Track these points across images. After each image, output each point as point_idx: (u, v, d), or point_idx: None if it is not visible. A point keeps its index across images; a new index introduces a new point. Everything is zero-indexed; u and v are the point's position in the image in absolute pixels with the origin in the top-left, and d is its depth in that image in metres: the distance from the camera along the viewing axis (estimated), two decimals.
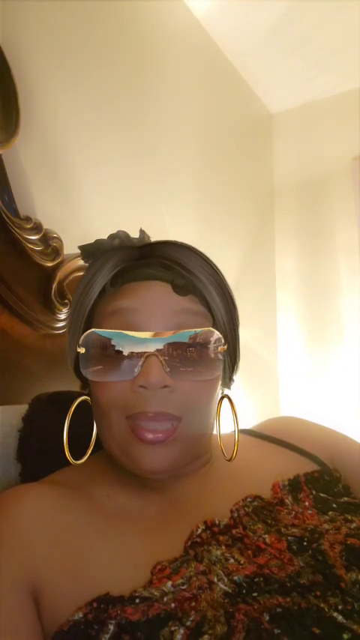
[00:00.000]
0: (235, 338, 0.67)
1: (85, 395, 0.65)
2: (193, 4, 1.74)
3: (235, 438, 0.63)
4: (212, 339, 0.60)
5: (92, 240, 0.68)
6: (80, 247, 0.68)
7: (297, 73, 2.09)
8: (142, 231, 0.70)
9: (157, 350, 0.57)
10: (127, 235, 0.68)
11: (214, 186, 1.88)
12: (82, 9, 1.25)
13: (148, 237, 0.70)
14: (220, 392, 0.67)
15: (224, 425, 0.69)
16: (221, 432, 0.69)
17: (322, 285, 2.18)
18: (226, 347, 0.62)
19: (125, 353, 0.57)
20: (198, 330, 0.59)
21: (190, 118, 1.75)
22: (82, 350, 0.60)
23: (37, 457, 0.76)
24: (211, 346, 0.60)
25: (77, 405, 0.63)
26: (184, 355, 0.58)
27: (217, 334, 0.61)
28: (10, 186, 0.95)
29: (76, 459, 0.62)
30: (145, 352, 0.57)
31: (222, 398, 0.67)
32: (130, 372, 0.57)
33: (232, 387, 0.71)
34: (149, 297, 0.60)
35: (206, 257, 0.63)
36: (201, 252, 0.63)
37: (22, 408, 0.81)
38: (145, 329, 0.58)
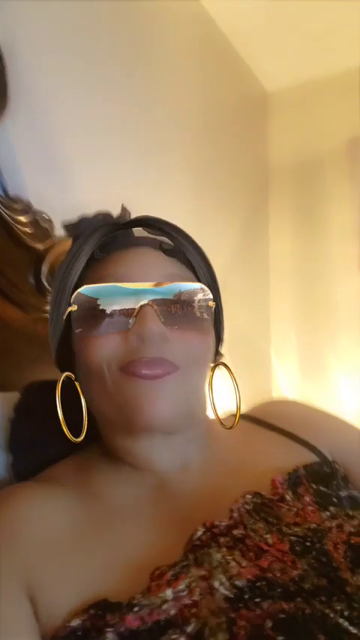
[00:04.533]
0: (218, 303, 0.68)
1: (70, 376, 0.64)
2: None
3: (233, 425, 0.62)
4: (202, 295, 0.62)
5: None
6: (64, 224, 0.69)
7: (295, 51, 2.05)
8: (123, 208, 0.71)
9: (151, 302, 0.57)
10: (109, 213, 0.70)
11: (208, 166, 1.85)
12: None
13: (129, 213, 0.72)
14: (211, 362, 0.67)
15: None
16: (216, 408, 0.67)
17: (316, 268, 2.16)
18: (214, 304, 0.63)
19: (118, 308, 0.58)
20: (191, 284, 0.61)
21: (185, 95, 1.71)
22: (73, 307, 0.60)
23: (29, 448, 0.74)
24: (201, 302, 0.62)
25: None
26: (176, 308, 0.59)
27: (207, 291, 0.63)
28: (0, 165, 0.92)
29: (73, 445, 0.62)
30: (139, 304, 0.57)
31: (215, 366, 0.66)
32: (124, 324, 0.57)
33: (218, 359, 0.70)
34: (139, 261, 0.62)
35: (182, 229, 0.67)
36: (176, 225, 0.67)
37: (13, 396, 0.79)
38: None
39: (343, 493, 0.61)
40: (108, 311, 0.58)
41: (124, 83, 1.40)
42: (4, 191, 0.94)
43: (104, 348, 0.57)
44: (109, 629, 0.42)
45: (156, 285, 0.58)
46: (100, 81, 1.30)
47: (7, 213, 0.93)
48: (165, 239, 0.64)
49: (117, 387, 0.57)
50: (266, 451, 0.69)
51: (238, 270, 1.97)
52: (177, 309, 0.59)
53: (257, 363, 2.14)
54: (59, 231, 1.04)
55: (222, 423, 0.64)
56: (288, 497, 0.58)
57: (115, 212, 0.71)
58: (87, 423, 0.62)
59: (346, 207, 2.07)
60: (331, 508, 0.57)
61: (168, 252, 0.63)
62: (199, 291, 0.62)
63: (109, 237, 0.64)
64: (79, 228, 0.66)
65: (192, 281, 0.64)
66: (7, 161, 0.98)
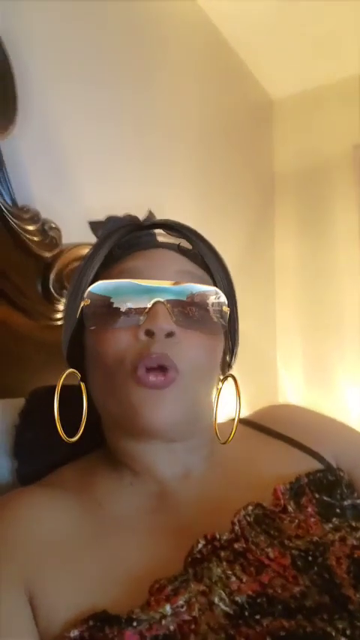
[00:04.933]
0: (234, 312, 0.68)
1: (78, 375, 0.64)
2: None
3: (234, 419, 0.62)
4: (216, 299, 0.62)
5: (90, 230, 0.71)
6: (90, 222, 0.70)
7: (299, 58, 2.05)
8: (149, 212, 0.72)
9: (163, 300, 0.58)
10: (135, 216, 0.70)
11: (214, 173, 1.85)
12: None
13: (154, 217, 0.72)
14: (220, 374, 0.67)
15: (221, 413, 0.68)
16: (218, 419, 0.67)
17: (321, 273, 2.15)
18: (229, 310, 0.63)
19: (131, 306, 0.58)
20: (204, 286, 0.61)
21: (191, 104, 1.72)
22: (87, 302, 0.60)
23: (34, 453, 0.74)
24: (215, 306, 0.61)
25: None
26: (189, 310, 0.59)
27: (221, 294, 0.62)
28: (8, 175, 0.93)
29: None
30: (152, 301, 0.57)
31: (224, 379, 0.66)
32: (136, 319, 0.58)
33: (227, 372, 0.70)
34: (156, 259, 0.63)
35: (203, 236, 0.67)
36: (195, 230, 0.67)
37: (19, 402, 0.80)
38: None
39: (346, 502, 0.60)
40: (122, 308, 0.58)
41: (129, 94, 1.41)
42: (13, 201, 0.94)
43: (116, 344, 0.57)
44: None
45: (170, 284, 0.59)
46: (106, 92, 1.31)
47: (15, 222, 0.94)
48: (184, 241, 0.65)
49: (124, 388, 0.57)
50: (269, 459, 0.68)
51: (243, 278, 1.96)
52: (190, 310, 0.59)
53: (263, 371, 2.14)
54: (67, 240, 1.05)
55: (218, 438, 0.63)
56: (290, 509, 0.57)
57: None
58: (90, 426, 0.62)
59: (351, 214, 2.07)
60: (334, 519, 0.56)
61: (185, 253, 0.64)
62: (213, 293, 0.62)
63: (129, 237, 0.65)
64: (104, 227, 0.67)
65: (207, 283, 0.64)
66: (16, 171, 0.99)
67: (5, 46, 0.94)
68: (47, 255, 1.01)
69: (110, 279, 0.61)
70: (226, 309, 0.62)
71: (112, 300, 0.59)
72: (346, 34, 1.88)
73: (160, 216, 0.72)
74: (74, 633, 0.44)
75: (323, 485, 0.62)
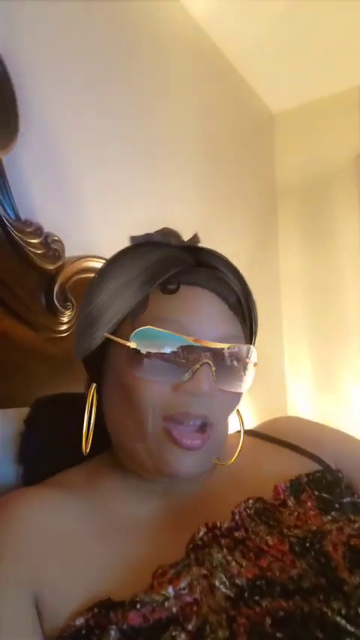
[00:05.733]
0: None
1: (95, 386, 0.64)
2: (191, 5, 1.73)
3: (239, 441, 0.64)
4: (252, 357, 0.63)
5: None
6: (132, 237, 0.66)
7: (298, 72, 2.08)
8: (196, 236, 0.70)
9: (209, 359, 0.57)
10: (178, 235, 0.69)
11: (217, 187, 1.88)
12: (81, 12, 1.25)
13: (199, 241, 0.70)
14: None
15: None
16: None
17: (326, 282, 2.17)
18: (256, 364, 0.64)
19: (179, 356, 0.57)
20: (245, 346, 0.62)
21: (192, 120, 1.75)
22: (132, 344, 0.57)
23: (39, 459, 0.75)
24: (250, 363, 0.63)
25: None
26: (230, 367, 0.60)
27: (254, 352, 0.64)
28: (11, 189, 0.95)
29: (81, 456, 0.63)
30: (199, 359, 0.56)
31: None
32: (179, 374, 0.57)
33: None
34: (207, 309, 0.61)
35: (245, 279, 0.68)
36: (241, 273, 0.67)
37: (24, 411, 0.81)
38: (199, 337, 0.58)
39: (345, 500, 0.62)
40: (169, 354, 0.57)
41: (132, 109, 1.44)
42: (16, 214, 0.96)
43: (153, 392, 0.57)
44: (112, 627, 0.43)
45: (220, 347, 0.58)
46: (108, 107, 1.34)
47: (18, 236, 0.95)
48: (231, 295, 0.63)
49: (155, 436, 0.57)
50: (269, 461, 0.70)
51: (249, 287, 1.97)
52: (230, 367, 0.60)
53: (272, 381, 2.14)
54: (69, 252, 1.07)
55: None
56: (290, 503, 0.59)
57: (125, 233, 0.68)
58: (96, 434, 0.63)
59: (355, 223, 2.09)
60: (333, 513, 0.58)
61: (234, 309, 0.63)
62: (251, 352, 0.63)
63: (178, 270, 0.61)
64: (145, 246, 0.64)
65: (246, 337, 0.65)
66: (18, 185, 1.01)
67: (5, 62, 0.95)
68: (50, 267, 1.02)
69: (158, 325, 0.58)
70: (255, 365, 0.64)
71: (156, 343, 0.57)
72: (345, 45, 1.91)
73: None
74: (79, 621, 0.45)
75: (322, 484, 0.64)
